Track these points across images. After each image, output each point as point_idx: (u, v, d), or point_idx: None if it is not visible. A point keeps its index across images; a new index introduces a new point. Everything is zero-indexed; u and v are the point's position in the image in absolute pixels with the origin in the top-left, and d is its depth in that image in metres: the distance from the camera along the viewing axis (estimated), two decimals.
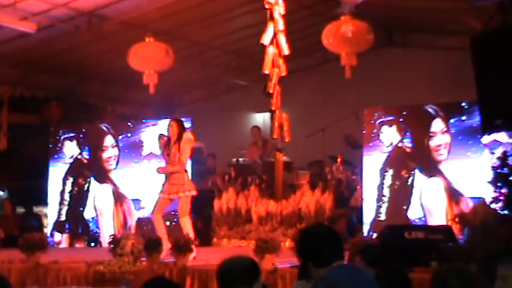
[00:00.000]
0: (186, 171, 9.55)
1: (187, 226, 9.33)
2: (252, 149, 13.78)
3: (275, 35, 10.94)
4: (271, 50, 10.95)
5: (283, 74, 11.03)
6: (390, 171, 11.17)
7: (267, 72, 10.95)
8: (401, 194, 11.01)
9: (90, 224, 12.60)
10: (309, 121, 13.96)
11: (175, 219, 11.37)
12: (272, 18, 10.88)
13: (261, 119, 15.38)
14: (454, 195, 10.59)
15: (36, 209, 14.55)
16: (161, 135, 9.84)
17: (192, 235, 9.19)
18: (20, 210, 14.62)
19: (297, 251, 4.18)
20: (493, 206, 8.58)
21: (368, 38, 11.49)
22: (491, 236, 6.81)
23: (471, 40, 8.30)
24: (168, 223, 11.12)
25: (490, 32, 8.43)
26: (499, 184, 8.46)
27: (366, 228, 11.14)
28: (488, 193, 8.89)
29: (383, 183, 11.17)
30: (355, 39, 11.28)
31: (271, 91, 10.94)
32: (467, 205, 10.26)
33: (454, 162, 10.67)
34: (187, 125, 11.83)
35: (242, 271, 3.78)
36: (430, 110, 10.99)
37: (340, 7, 10.92)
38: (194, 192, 9.50)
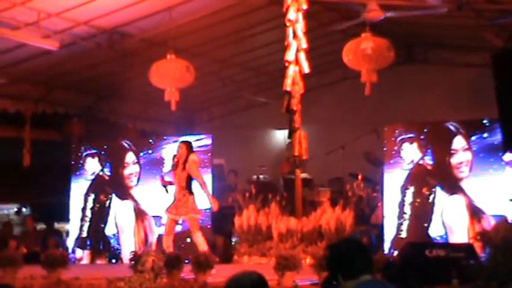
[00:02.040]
0: (192, 193, 9.63)
1: (199, 241, 9.44)
2: (284, 164, 13.77)
3: (296, 52, 10.99)
4: (292, 68, 10.98)
5: (301, 91, 11.07)
6: (411, 189, 11.13)
7: (288, 89, 10.98)
8: (423, 212, 10.96)
9: (111, 241, 12.63)
10: (329, 138, 13.96)
11: None
12: (295, 35, 10.93)
13: (281, 136, 15.40)
14: (475, 213, 10.52)
15: (57, 226, 14.66)
16: (174, 156, 9.99)
17: (205, 249, 9.36)
18: (42, 226, 14.72)
19: (326, 264, 4.24)
20: None
21: (388, 54, 11.51)
22: None
23: (492, 57, 8.30)
24: (189, 240, 11.15)
25: (510, 49, 8.41)
26: None
27: (386, 246, 11.08)
28: (510, 211, 8.85)
29: (404, 201, 11.12)
30: (375, 56, 11.30)
31: (295, 108, 10.98)
32: (489, 223, 10.19)
33: (475, 180, 10.60)
34: (207, 141, 11.92)
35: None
36: (451, 127, 10.95)
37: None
38: (199, 216, 9.65)
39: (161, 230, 12.26)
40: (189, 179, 9.53)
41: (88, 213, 12.81)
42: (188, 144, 9.76)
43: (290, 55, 10.94)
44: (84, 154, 13.03)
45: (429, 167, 11.10)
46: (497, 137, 10.10)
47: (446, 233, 10.72)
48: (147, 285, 8.23)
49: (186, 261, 8.78)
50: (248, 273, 3.84)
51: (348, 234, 10.91)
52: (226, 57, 13.94)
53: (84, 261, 12.64)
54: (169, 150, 12.50)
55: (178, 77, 11.75)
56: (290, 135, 11.32)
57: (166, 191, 9.85)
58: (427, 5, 10.05)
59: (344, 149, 13.44)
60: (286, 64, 10.98)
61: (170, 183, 10.09)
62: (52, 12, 10.58)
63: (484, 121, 10.72)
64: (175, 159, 9.85)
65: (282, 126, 13.85)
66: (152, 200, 12.40)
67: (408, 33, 13.64)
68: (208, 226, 11.81)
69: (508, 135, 8.36)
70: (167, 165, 12.46)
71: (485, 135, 10.65)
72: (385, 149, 11.57)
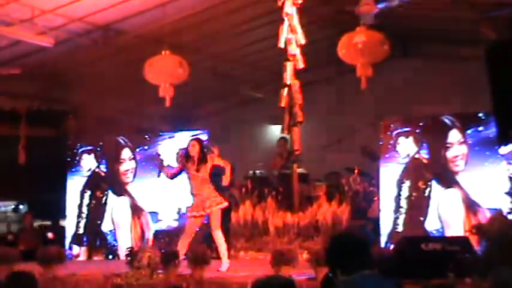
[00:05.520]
0: (212, 183, 9.53)
1: (220, 240, 9.33)
2: (276, 159, 13.77)
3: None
4: (291, 62, 11.03)
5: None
6: (407, 183, 11.14)
7: (288, 83, 11.03)
8: (419, 205, 10.97)
9: (108, 237, 12.63)
10: (325, 132, 13.97)
11: None
12: (292, 30, 10.95)
13: (277, 131, 15.39)
14: (471, 206, 10.53)
15: (54, 222, 14.65)
16: (182, 153, 9.86)
17: (225, 248, 9.27)
18: (39, 223, 14.71)
19: (326, 259, 4.30)
20: (510, 216, 8.55)
21: (382, 48, 11.49)
22: (508, 247, 6.77)
23: (485, 50, 8.27)
24: None
25: (504, 41, 8.40)
26: None
27: (383, 240, 11.10)
28: (505, 204, 8.87)
29: (400, 195, 11.13)
30: (369, 50, 11.30)
31: (299, 102, 11.03)
32: (484, 216, 10.20)
33: (471, 173, 10.62)
34: (203, 137, 11.89)
35: None
36: (447, 121, 10.96)
37: (362, 19, 10.93)
38: (226, 204, 9.52)
39: (157, 226, 12.29)
40: (210, 172, 9.48)
41: (84, 209, 12.80)
42: (201, 141, 9.71)
43: (292, 49, 10.97)
44: (80, 151, 13.01)
45: (425, 161, 11.11)
46: (493, 130, 10.07)
47: (442, 227, 10.75)
48: (143, 281, 8.26)
49: (183, 257, 8.80)
50: (276, 278, 3.86)
51: (344, 229, 10.93)
52: (222, 53, 13.93)
53: (81, 257, 12.65)
54: (165, 146, 12.51)
55: (172, 73, 11.74)
56: (288, 130, 11.35)
57: (159, 175, 9.74)
58: None
59: (341, 143, 13.45)
60: (291, 58, 11.01)
61: (173, 175, 9.81)
62: (46, 9, 10.57)
63: (480, 114, 10.73)
64: (184, 155, 9.70)
65: (278, 121, 13.86)
66: (148, 196, 12.41)
67: (403, 27, 13.63)
68: (205, 222, 11.81)
69: (503, 129, 8.32)
70: (164, 161, 12.45)
71: (480, 128, 10.66)
72: (381, 143, 11.58)
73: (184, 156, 9.53)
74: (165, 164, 9.75)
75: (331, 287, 4.39)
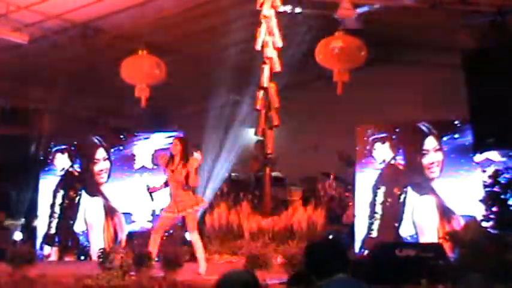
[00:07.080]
0: (190, 188, 9.37)
1: (196, 242, 9.20)
2: (253, 162, 13.71)
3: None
4: (268, 65, 11.04)
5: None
6: (382, 188, 11.16)
7: (265, 85, 11.03)
8: (393, 211, 10.99)
9: (80, 238, 12.51)
10: (302, 137, 13.94)
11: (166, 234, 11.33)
12: (270, 32, 10.96)
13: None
14: (445, 213, 10.57)
15: (26, 222, 14.46)
16: (160, 153, 9.72)
17: (202, 250, 9.17)
18: (10, 222, 14.51)
19: (302, 265, 4.25)
20: (484, 224, 8.58)
21: (360, 54, 11.49)
22: (481, 255, 6.78)
23: (463, 58, 8.32)
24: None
25: (482, 49, 8.44)
26: (490, 202, 8.45)
27: (357, 245, 11.10)
28: (479, 211, 8.90)
29: (375, 200, 11.15)
30: (346, 56, 11.30)
31: (276, 105, 11.05)
32: (458, 223, 10.24)
33: (446, 180, 10.66)
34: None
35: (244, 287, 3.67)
36: (423, 128, 11.00)
37: (343, 23, 10.93)
38: (204, 204, 9.39)
39: (131, 227, 12.19)
40: (187, 175, 9.34)
41: (57, 209, 12.67)
42: (184, 140, 9.55)
43: (269, 52, 10.96)
44: (54, 149, 12.88)
45: (401, 167, 11.13)
46: (469, 138, 10.16)
47: (416, 233, 10.77)
48: (114, 283, 8.15)
49: (156, 259, 8.71)
50: (239, 273, 3.82)
51: (319, 234, 10.91)
52: (201, 54, 13.85)
53: (52, 258, 12.50)
54: (140, 146, 12.42)
55: (148, 74, 11.68)
56: (262, 133, 11.33)
57: (152, 199, 9.53)
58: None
59: (317, 148, 13.43)
60: (267, 61, 11.00)
61: (156, 189, 9.63)
62: (22, 5, 10.44)
63: (456, 122, 10.77)
64: (166, 155, 9.58)
65: (255, 124, 13.81)
66: (122, 196, 12.30)
67: (382, 33, 13.63)
68: (179, 224, 11.72)
69: (479, 137, 8.39)
70: (138, 162, 12.36)
71: (456, 136, 10.72)
72: (357, 148, 11.59)
73: (168, 158, 9.37)
74: (151, 185, 9.55)
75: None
